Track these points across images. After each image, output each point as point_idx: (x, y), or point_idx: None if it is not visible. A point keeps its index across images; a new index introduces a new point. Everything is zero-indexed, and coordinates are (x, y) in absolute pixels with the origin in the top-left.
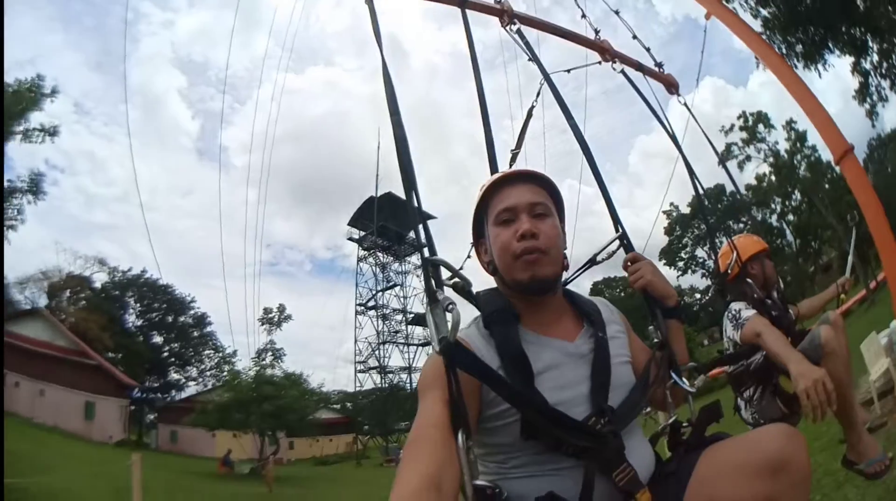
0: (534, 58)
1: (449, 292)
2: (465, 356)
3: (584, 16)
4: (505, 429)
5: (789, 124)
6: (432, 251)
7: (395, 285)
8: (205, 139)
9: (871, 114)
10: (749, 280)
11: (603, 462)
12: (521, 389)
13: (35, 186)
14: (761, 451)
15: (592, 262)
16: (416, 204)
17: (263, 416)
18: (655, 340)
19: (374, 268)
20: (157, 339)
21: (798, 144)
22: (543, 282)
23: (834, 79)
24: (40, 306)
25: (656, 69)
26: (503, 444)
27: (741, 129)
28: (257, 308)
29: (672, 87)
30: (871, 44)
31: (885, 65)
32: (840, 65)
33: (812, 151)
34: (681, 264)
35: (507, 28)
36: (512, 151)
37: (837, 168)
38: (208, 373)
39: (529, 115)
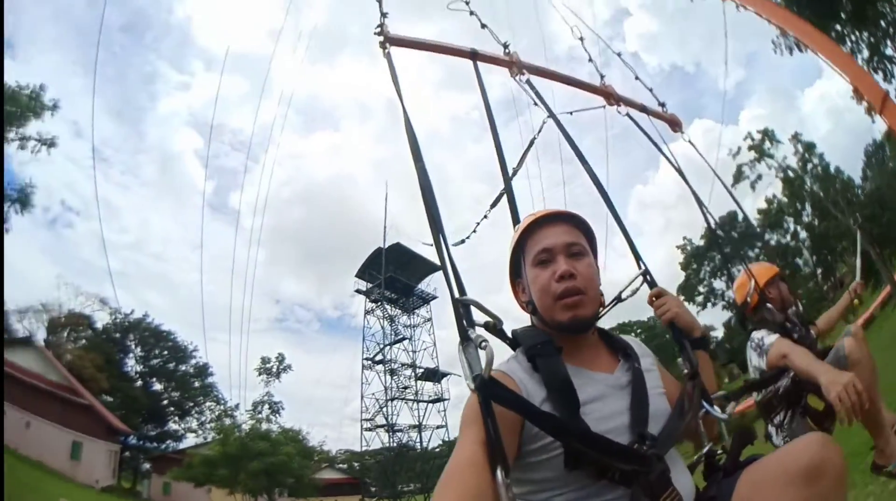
0: (539, 100)
1: (480, 331)
2: (501, 392)
3: (591, 59)
4: (548, 463)
5: (795, 137)
6: (461, 292)
7: (403, 339)
8: (218, 195)
9: (870, 111)
10: (769, 305)
11: (650, 487)
12: (564, 419)
13: (25, 198)
14: (796, 460)
15: (618, 299)
16: (444, 244)
17: (253, 474)
18: (685, 371)
19: (381, 321)
20: (158, 386)
21: (807, 155)
22: (583, 322)
23: (820, 100)
24: (35, 338)
25: (659, 109)
26: (546, 479)
27: (749, 149)
28: (249, 362)
29: (676, 125)
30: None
31: (874, 59)
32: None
33: (820, 160)
34: (700, 298)
35: (517, 78)
36: (513, 169)
37: (880, 118)
38: (209, 425)
39: (531, 144)
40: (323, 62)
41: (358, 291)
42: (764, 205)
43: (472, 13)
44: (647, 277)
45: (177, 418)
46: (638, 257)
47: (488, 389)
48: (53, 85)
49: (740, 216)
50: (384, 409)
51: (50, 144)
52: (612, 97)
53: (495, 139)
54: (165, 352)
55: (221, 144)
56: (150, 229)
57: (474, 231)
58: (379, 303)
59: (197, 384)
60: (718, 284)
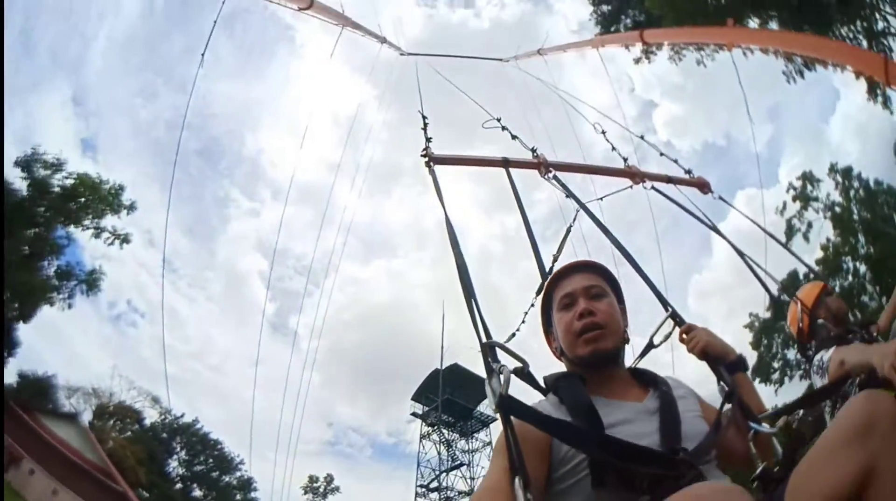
0: (569, 193)
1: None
2: (520, 407)
3: (613, 148)
4: (577, 487)
5: (832, 168)
6: (488, 336)
7: (461, 465)
8: (279, 316)
9: (885, 103)
10: (820, 321)
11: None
12: (586, 429)
13: (93, 281)
14: (845, 421)
15: (650, 346)
16: (470, 292)
17: None
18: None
19: (437, 446)
20: (198, 492)
21: (846, 182)
22: (605, 354)
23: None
24: (81, 417)
25: (686, 176)
26: None
27: (794, 199)
28: (295, 481)
29: (704, 187)
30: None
31: (873, 43)
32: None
33: (860, 180)
34: (776, 375)
35: (546, 177)
36: (553, 255)
37: (891, 88)
38: None
39: (567, 232)
40: (380, 193)
41: (414, 414)
42: (821, 253)
43: (503, 128)
44: (676, 318)
45: None
46: (664, 303)
47: (507, 404)
48: (129, 193)
49: (801, 273)
50: None
51: (124, 239)
52: (636, 176)
53: (530, 235)
54: (211, 460)
55: (286, 268)
56: (212, 341)
57: (523, 322)
58: (435, 427)
59: (239, 497)
60: (792, 353)
